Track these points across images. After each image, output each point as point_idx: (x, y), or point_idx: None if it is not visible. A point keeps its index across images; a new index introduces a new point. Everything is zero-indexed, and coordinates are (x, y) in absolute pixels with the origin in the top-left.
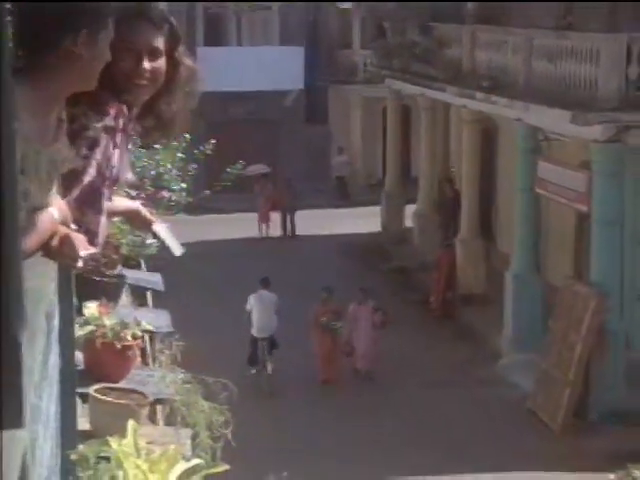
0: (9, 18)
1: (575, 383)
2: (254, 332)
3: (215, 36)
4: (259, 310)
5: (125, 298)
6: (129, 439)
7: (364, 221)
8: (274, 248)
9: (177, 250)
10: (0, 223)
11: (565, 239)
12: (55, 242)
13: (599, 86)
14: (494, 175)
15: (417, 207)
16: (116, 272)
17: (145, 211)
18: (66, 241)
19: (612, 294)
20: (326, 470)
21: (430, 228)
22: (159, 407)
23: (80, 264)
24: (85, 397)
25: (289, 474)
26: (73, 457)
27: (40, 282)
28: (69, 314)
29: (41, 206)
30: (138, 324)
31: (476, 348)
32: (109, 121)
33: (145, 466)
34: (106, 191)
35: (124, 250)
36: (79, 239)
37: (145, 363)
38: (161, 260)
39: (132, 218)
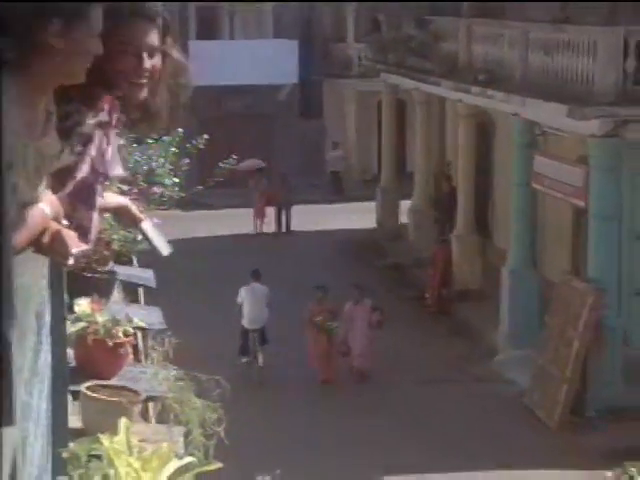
0: None
1: (572, 379)
2: (245, 323)
3: (208, 30)
4: (250, 302)
5: (117, 294)
6: (121, 437)
7: (359, 217)
8: (268, 244)
9: (164, 250)
10: None
11: (562, 234)
12: (46, 238)
13: (596, 80)
14: (490, 170)
15: (412, 202)
16: (108, 268)
17: (135, 208)
18: (57, 237)
19: (610, 290)
20: (322, 468)
21: (426, 224)
22: (151, 404)
23: (71, 261)
24: (76, 394)
25: (284, 472)
26: (64, 455)
27: (31, 279)
28: (60, 311)
29: (30, 201)
30: (130, 321)
31: (472, 344)
32: (103, 116)
33: (137, 464)
34: (99, 187)
35: (116, 246)
36: (70, 236)
37: (137, 360)
38: (153, 256)
39: (121, 214)
